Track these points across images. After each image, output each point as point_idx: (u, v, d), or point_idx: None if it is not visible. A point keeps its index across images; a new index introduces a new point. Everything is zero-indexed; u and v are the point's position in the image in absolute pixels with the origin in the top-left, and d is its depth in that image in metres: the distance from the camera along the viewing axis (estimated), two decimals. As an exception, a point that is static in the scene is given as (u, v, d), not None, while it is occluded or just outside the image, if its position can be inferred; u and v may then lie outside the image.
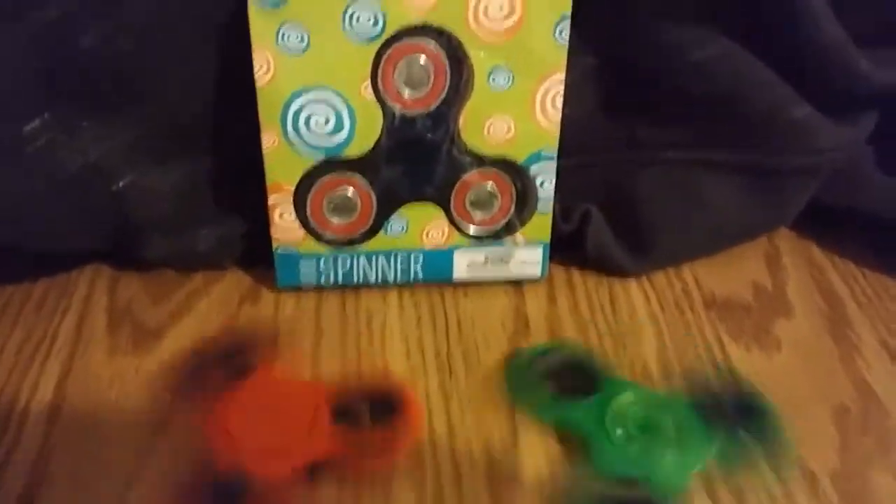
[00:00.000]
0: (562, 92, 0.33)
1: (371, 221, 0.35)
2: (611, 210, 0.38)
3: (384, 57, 0.32)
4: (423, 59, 0.32)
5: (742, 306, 0.37)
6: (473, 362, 0.33)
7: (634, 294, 0.37)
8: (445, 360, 0.33)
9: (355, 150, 0.33)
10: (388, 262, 0.36)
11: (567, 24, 0.32)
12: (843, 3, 0.32)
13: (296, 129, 0.32)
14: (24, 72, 0.30)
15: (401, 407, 0.30)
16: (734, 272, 0.39)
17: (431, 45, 0.32)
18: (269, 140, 0.32)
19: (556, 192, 0.35)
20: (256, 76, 0.31)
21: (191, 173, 0.35)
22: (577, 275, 0.38)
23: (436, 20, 0.31)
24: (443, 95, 0.33)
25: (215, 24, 0.32)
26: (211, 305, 0.35)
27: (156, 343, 0.33)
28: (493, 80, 0.32)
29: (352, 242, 0.35)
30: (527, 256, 0.36)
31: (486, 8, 0.31)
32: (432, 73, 0.32)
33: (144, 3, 0.30)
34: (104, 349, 0.33)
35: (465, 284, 0.37)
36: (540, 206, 0.35)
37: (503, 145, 0.34)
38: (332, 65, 0.31)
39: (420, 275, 0.36)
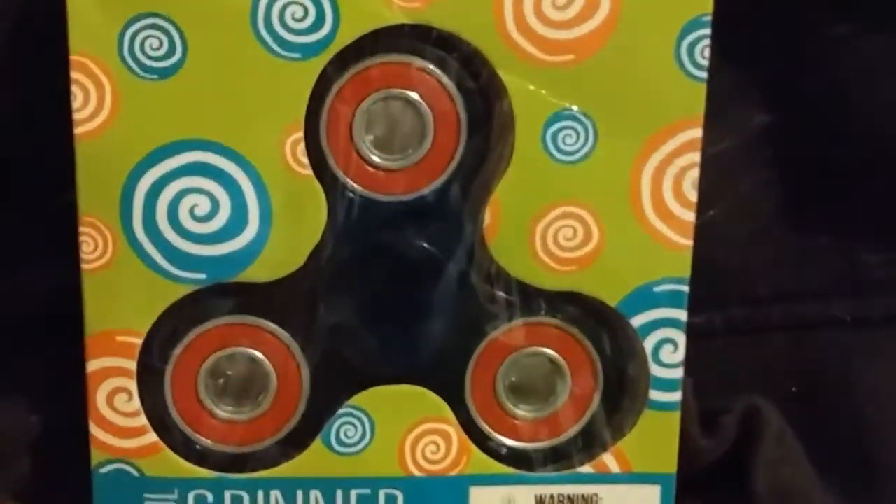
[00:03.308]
0: (696, 165, 0.31)
1: (297, 419, 0.33)
2: (805, 417, 0.37)
3: (336, 88, 0.31)
4: (411, 95, 0.31)
5: None
6: None
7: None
8: None
9: (268, 269, 0.32)
10: (332, 503, 0.33)
11: (706, 36, 0.31)
12: None
13: (150, 224, 0.31)
14: None
15: None
16: None
17: (430, 67, 0.31)
18: (95, 245, 0.31)
19: (689, 374, 0.34)
20: (75, 119, 0.30)
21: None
22: (733, 544, 0.36)
23: (441, 19, 0.30)
24: (451, 167, 0.32)
25: None
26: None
27: None
28: (556, 139, 0.31)
29: (257, 461, 0.33)
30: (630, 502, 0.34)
31: None
32: (431, 125, 0.31)
33: None
34: None
35: (496, 555, 0.35)
36: (655, 397, 0.33)
37: (576, 269, 0.32)
38: (227, 101, 0.30)
39: (399, 532, 0.34)
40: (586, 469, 0.33)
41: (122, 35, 0.29)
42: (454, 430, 0.33)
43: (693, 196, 0.32)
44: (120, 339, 0.31)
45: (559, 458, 0.34)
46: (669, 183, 0.31)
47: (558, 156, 0.31)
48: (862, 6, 0.35)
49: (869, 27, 0.35)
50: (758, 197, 0.37)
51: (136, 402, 0.32)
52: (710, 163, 0.32)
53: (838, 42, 0.36)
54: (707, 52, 0.30)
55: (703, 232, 0.32)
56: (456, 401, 0.33)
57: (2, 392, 0.36)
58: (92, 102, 0.30)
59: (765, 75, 0.36)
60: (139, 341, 0.32)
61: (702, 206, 0.32)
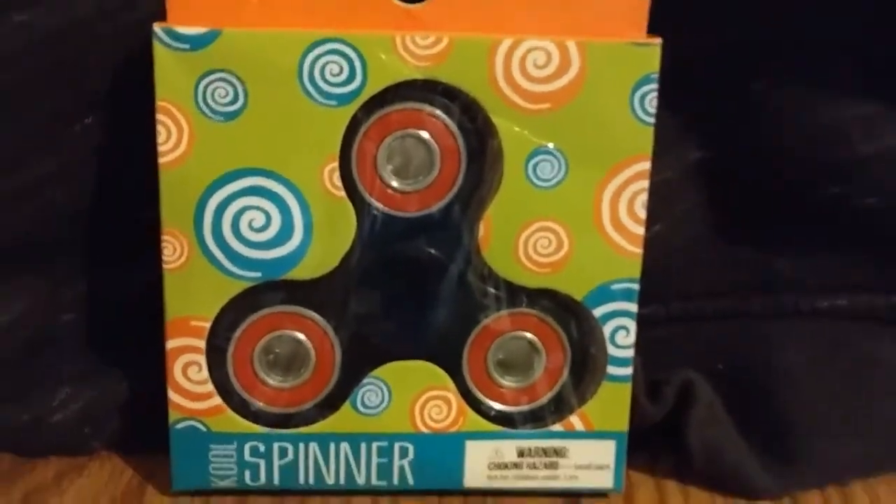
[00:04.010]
0: (645, 191, 0.35)
1: (331, 387, 0.37)
2: (730, 388, 0.40)
3: (363, 129, 0.34)
4: (423, 134, 0.34)
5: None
6: None
7: (771, 529, 0.38)
8: None
9: (309, 270, 0.35)
10: (357, 454, 0.37)
11: (653, 90, 0.34)
12: None
13: (217, 234, 0.34)
14: None
15: None
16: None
17: (438, 113, 0.34)
18: (174, 249, 0.34)
19: (638, 354, 0.37)
20: (160, 151, 0.33)
21: (45, 301, 0.38)
22: (673, 489, 0.39)
23: (446, 75, 0.33)
24: (454, 191, 0.35)
25: (98, 72, 0.36)
26: (62, 514, 0.36)
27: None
28: (535, 169, 0.34)
29: (299, 419, 0.37)
30: (590, 455, 0.37)
31: (523, 59, 0.33)
32: (438, 157, 0.35)
33: None
34: None
35: (486, 496, 0.38)
36: (611, 371, 0.37)
37: (551, 271, 0.36)
38: (278, 138, 0.34)
39: (409, 478, 0.37)
40: (557, 427, 0.37)
41: (197, 86, 0.33)
42: (454, 397, 0.37)
43: (643, 214, 0.35)
44: (193, 323, 0.35)
45: (536, 419, 0.37)
46: (624, 204, 0.35)
47: (537, 182, 0.34)
48: (772, 68, 0.38)
49: (779, 83, 0.38)
50: (693, 215, 0.41)
51: (205, 373, 0.36)
52: (656, 189, 0.35)
53: (756, 95, 0.39)
54: (654, 103, 0.34)
55: (650, 243, 0.36)
56: (455, 373, 0.37)
57: (99, 365, 0.39)
58: (173, 138, 0.33)
59: (699, 120, 0.39)
60: (207, 325, 0.35)
61: (649, 223, 0.35)
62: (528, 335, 0.37)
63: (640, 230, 0.35)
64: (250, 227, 0.34)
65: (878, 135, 0.37)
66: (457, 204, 0.35)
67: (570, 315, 0.36)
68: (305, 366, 0.36)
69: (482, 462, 0.37)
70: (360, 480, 0.37)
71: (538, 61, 0.33)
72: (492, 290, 0.36)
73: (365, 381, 0.36)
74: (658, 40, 0.34)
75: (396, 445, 0.37)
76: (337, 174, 0.34)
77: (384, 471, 0.37)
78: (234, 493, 0.38)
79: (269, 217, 0.34)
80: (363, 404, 0.36)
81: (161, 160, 0.34)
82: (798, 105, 0.38)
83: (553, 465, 0.37)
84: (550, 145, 0.34)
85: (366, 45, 0.33)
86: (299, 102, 0.33)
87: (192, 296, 0.35)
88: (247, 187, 0.34)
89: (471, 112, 0.34)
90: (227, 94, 0.33)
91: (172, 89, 0.33)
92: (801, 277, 0.39)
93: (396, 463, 0.37)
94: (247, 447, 0.36)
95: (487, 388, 0.37)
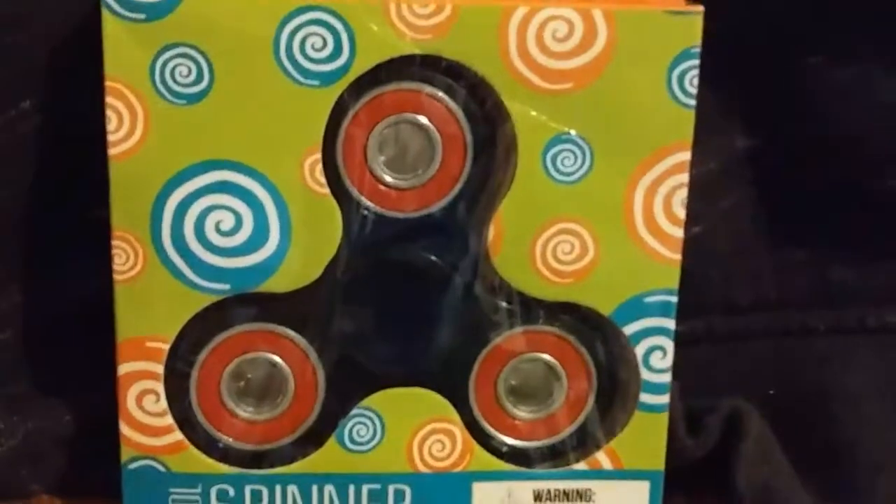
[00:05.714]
0: (685, 186, 0.33)
1: (313, 419, 0.35)
2: (784, 418, 0.39)
3: (351, 113, 0.33)
4: (421, 119, 0.33)
5: None
6: None
7: (830, 583, 0.37)
8: None
9: (287, 281, 0.34)
10: (345, 498, 0.35)
11: (695, 67, 0.32)
12: None
13: (178, 238, 0.33)
14: None
15: None
16: None
17: (439, 94, 0.33)
18: (127, 257, 0.33)
19: (676, 378, 0.36)
20: (110, 141, 0.32)
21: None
22: (717, 538, 0.39)
23: (449, 50, 0.32)
24: (458, 187, 0.34)
25: (35, 46, 0.36)
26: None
27: None
28: (555, 161, 0.33)
29: (275, 458, 0.35)
30: (619, 499, 0.36)
31: (541, 31, 0.32)
32: (439, 147, 0.33)
33: None
34: None
35: (496, 547, 0.38)
36: (645, 399, 0.35)
37: (573, 282, 0.34)
38: (250, 125, 0.32)
39: (406, 526, 0.37)
40: (581, 466, 0.36)
41: (153, 63, 0.31)
42: (458, 430, 0.35)
43: (682, 214, 0.34)
44: (149, 344, 0.33)
45: (556, 456, 0.36)
46: (660, 202, 0.33)
47: (557, 176, 0.33)
48: (829, 40, 0.38)
49: (838, 59, 0.38)
50: (739, 215, 0.40)
51: (164, 403, 0.34)
52: (696, 183, 0.34)
53: (811, 72, 0.39)
54: (696, 82, 0.32)
55: (690, 247, 0.35)
56: (460, 402, 0.35)
57: (38, 392, 0.39)
58: (125, 125, 0.32)
59: (746, 102, 0.39)
60: (167, 346, 0.34)
61: (688, 224, 0.34)
62: (546, 357, 0.35)
63: (679, 232, 0.34)
64: (217, 230, 0.33)
65: None
66: (462, 202, 0.34)
67: (595, 333, 0.35)
68: (283, 394, 0.35)
69: (492, 507, 0.37)
70: (348, 531, 0.37)
71: (558, 33, 0.32)
72: (503, 304, 0.34)
73: (353, 412, 0.35)
74: (700, 8, 0.32)
75: (391, 488, 0.35)
76: (320, 167, 0.33)
77: (376, 520, 0.37)
78: (199, 545, 0.37)
79: (239, 218, 0.33)
80: (351, 440, 0.35)
81: (111, 151, 0.32)
82: (860, 84, 0.38)
83: (576, 511, 0.37)
84: (573, 132, 0.32)
85: (354, 14, 0.31)
86: (275, 82, 0.32)
87: (148, 312, 0.33)
88: (213, 183, 0.32)
89: (478, 93, 0.33)
90: (189, 73, 0.31)
91: (124, 67, 0.31)
92: (866, 287, 0.39)
93: (392, 509, 0.37)
94: (213, 491, 0.35)
95: (498, 420, 0.36)
